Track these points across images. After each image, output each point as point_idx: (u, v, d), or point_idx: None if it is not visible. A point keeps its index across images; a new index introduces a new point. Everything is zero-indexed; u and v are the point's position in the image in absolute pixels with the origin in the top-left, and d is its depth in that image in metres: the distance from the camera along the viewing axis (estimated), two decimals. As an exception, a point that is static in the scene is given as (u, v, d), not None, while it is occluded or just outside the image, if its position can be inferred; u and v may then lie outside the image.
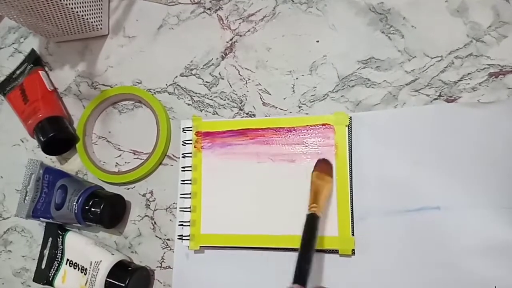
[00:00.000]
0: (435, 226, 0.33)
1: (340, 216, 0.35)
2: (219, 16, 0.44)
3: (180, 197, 0.40)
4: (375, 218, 0.35)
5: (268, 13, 0.42)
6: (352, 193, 0.36)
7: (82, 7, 0.44)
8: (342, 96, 0.39)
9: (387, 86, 0.38)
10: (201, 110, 0.43)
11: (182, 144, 0.41)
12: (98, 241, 0.42)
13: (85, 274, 0.39)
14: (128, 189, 0.43)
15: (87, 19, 0.45)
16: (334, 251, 0.35)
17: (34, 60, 0.49)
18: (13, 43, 0.53)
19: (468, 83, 0.36)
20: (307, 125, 0.38)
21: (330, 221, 0.35)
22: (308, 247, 0.30)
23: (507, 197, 0.32)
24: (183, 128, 0.42)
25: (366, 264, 0.35)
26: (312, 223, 0.31)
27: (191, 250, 0.39)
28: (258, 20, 0.43)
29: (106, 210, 0.40)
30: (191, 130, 0.41)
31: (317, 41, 0.40)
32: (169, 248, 0.41)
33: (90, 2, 0.46)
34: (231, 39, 0.43)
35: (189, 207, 0.39)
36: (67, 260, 0.41)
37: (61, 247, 0.42)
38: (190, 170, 0.40)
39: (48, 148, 0.44)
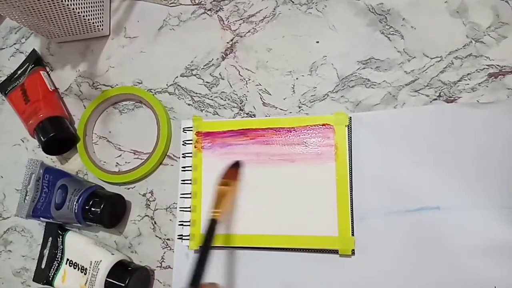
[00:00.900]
0: (435, 226, 0.33)
1: (340, 216, 0.35)
2: (219, 17, 0.45)
3: (180, 197, 0.40)
4: (375, 218, 0.35)
5: (268, 14, 0.43)
6: (352, 193, 0.36)
7: (84, 8, 0.45)
8: (342, 96, 0.39)
9: (386, 86, 0.38)
10: (201, 110, 0.43)
11: (183, 144, 0.42)
12: (98, 241, 0.42)
13: (85, 274, 0.39)
14: (128, 189, 0.43)
15: (88, 19, 0.45)
16: (334, 251, 0.35)
17: (35, 60, 0.49)
18: (15, 43, 0.54)
19: (468, 84, 0.36)
20: (307, 125, 0.38)
21: (330, 221, 0.35)
22: (206, 251, 0.31)
23: (507, 197, 0.32)
24: (183, 128, 0.42)
25: (366, 264, 0.35)
26: (212, 227, 0.32)
27: (191, 250, 0.39)
28: (258, 21, 0.43)
29: (106, 210, 0.40)
30: (191, 130, 0.41)
31: (317, 42, 0.40)
32: (169, 248, 0.41)
33: (91, 3, 0.46)
34: (231, 40, 0.43)
35: (189, 207, 0.39)
36: (67, 260, 0.41)
37: (61, 247, 0.42)
38: (191, 170, 0.40)
39: (49, 148, 0.44)
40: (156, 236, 0.41)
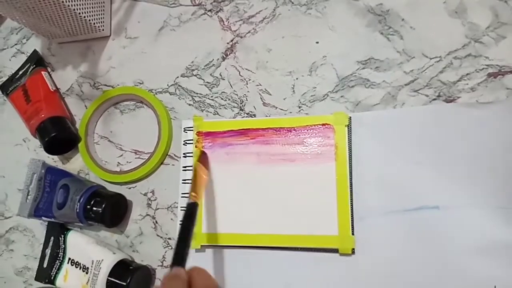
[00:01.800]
0: (434, 226, 0.34)
1: (340, 215, 0.36)
2: (219, 18, 0.45)
3: (181, 197, 0.41)
4: (374, 218, 0.35)
5: (268, 15, 0.43)
6: (351, 193, 0.36)
7: (85, 8, 0.45)
8: (341, 96, 0.39)
9: (386, 86, 0.38)
10: (202, 110, 0.43)
11: (183, 144, 0.42)
12: (99, 240, 0.43)
13: (86, 273, 0.39)
14: (130, 188, 0.44)
15: (89, 20, 0.46)
16: (334, 250, 0.35)
17: (36, 61, 0.49)
18: (16, 44, 0.54)
19: (467, 84, 0.36)
20: (307, 125, 0.38)
21: (330, 221, 0.36)
22: (189, 233, 0.31)
23: (506, 196, 0.33)
24: (184, 128, 0.42)
25: (366, 263, 0.35)
26: (192, 210, 0.33)
27: (192, 249, 0.39)
28: (258, 21, 0.43)
29: (107, 209, 0.40)
30: (192, 130, 0.41)
31: (317, 42, 0.41)
32: (170, 247, 0.41)
33: (92, 3, 0.46)
34: (231, 40, 0.44)
35: (190, 207, 0.40)
36: (69, 259, 0.42)
37: (63, 246, 0.42)
38: (191, 170, 0.40)
39: (50, 148, 0.45)
40: (157, 236, 0.42)
